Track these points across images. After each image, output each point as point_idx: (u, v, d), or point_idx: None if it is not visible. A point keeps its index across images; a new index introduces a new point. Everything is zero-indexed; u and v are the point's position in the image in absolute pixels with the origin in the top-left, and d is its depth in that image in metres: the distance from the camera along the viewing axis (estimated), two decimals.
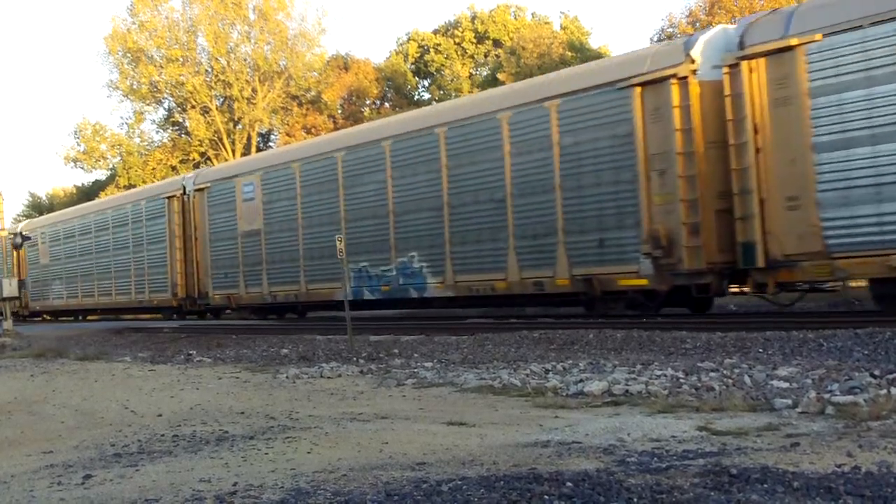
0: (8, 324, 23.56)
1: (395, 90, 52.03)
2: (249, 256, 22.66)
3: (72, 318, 34.66)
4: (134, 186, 42.97)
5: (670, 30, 38.07)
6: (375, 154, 19.04)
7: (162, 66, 46.42)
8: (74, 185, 61.02)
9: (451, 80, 49.65)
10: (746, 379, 7.18)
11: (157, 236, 26.65)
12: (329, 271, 19.62)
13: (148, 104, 49.31)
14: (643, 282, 14.17)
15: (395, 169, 18.52)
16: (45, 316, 36.43)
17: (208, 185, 24.36)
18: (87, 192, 52.89)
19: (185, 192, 25.30)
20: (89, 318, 34.02)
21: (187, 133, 48.21)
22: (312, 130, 46.22)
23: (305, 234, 20.80)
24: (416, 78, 53.58)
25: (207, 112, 47.03)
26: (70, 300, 32.89)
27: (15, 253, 35.87)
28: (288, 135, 47.86)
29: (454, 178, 17.23)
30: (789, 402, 6.07)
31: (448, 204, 17.31)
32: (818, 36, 11.95)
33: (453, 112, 18.18)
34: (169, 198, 25.83)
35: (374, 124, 23.15)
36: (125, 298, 28.72)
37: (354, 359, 11.65)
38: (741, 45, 12.91)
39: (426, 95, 51.95)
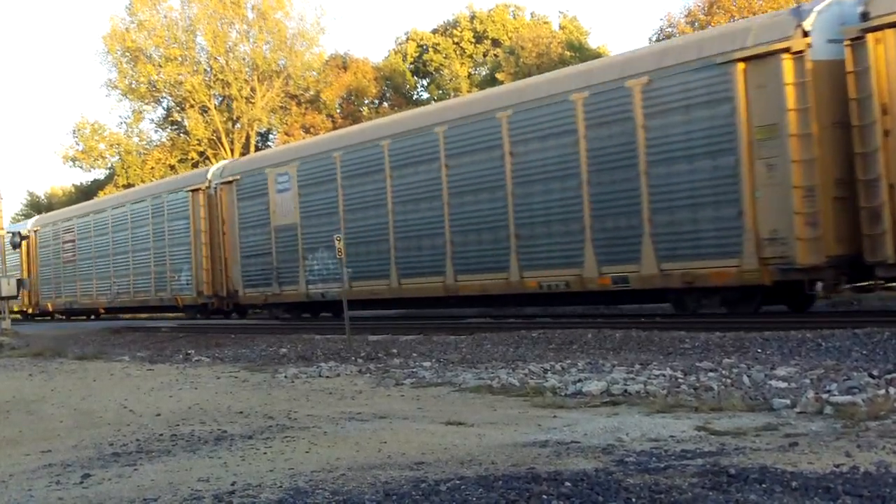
0: (6, 323, 23.54)
1: (394, 90, 52.01)
2: None
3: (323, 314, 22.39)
4: (132, 186, 42.62)
5: (669, 30, 38.13)
6: None
7: (160, 66, 46.38)
8: (73, 185, 61.06)
9: (450, 80, 49.62)
10: (745, 379, 7.19)
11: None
12: None
13: (146, 103, 49.30)
14: None
15: None
16: (255, 310, 24.88)
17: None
18: (86, 192, 52.84)
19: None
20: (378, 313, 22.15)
21: (186, 132, 48.16)
22: (311, 130, 46.19)
23: None
24: (415, 77, 53.58)
25: (206, 111, 47.01)
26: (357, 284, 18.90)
27: (201, 210, 24.70)
28: (287, 134, 47.85)
29: None
30: (788, 402, 6.08)
31: None
32: None
33: None
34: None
35: None
36: (573, 274, 14.89)
37: (353, 358, 11.65)
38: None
39: (425, 95, 51.96)
